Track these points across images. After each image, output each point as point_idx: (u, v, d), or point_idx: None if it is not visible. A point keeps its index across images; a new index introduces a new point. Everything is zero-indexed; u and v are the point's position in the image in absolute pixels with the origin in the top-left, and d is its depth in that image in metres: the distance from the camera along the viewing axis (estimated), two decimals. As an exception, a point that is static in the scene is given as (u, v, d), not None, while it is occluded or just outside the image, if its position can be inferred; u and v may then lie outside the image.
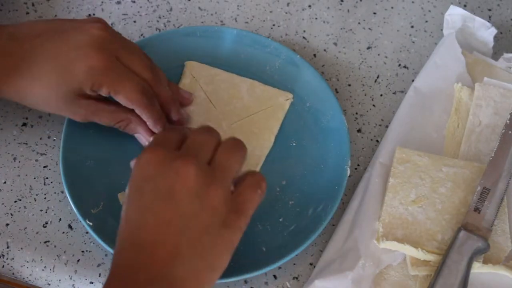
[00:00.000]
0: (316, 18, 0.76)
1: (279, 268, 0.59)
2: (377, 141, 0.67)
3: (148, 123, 0.60)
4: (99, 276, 0.58)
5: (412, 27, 0.76)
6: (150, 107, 0.59)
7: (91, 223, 0.57)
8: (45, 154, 0.63)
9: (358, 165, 0.65)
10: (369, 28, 0.75)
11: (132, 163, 0.52)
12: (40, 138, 0.64)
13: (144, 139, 0.61)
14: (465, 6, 0.78)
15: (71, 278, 0.58)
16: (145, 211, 0.48)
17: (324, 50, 0.73)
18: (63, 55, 0.56)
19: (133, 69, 0.58)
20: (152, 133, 0.61)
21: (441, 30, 0.73)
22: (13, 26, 0.58)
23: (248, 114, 0.66)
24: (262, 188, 0.52)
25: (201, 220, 0.48)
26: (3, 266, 0.58)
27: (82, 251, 0.59)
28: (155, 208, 0.48)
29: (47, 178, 0.62)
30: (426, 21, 0.76)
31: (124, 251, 0.48)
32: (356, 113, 0.69)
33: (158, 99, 0.60)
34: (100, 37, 0.57)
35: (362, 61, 0.73)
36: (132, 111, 0.59)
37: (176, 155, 0.49)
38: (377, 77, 0.72)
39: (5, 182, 0.62)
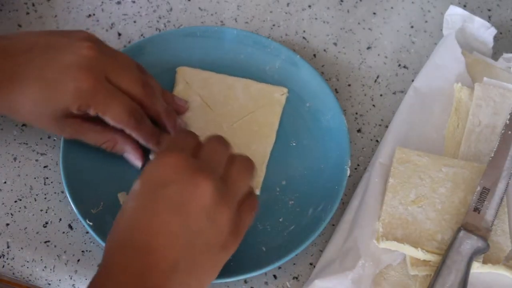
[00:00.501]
0: (316, 18, 0.76)
1: (279, 268, 0.59)
2: (377, 141, 0.67)
3: (139, 140, 0.60)
4: (99, 276, 0.58)
5: (412, 27, 0.76)
6: (139, 127, 0.58)
7: (91, 223, 0.57)
8: (45, 154, 0.64)
9: (358, 165, 0.65)
10: (369, 28, 0.75)
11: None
12: (40, 138, 0.64)
13: (133, 157, 0.61)
14: (465, 6, 0.78)
15: (71, 278, 0.58)
16: (156, 217, 0.47)
17: (324, 50, 0.73)
18: (51, 75, 0.56)
19: (123, 87, 0.57)
20: (141, 153, 0.60)
21: (441, 30, 0.73)
22: (6, 38, 0.58)
23: (246, 113, 0.66)
24: (256, 210, 0.53)
25: (205, 239, 0.48)
26: (3, 266, 0.58)
27: (82, 251, 0.59)
28: (166, 217, 0.47)
29: (47, 178, 0.62)
30: (426, 21, 0.76)
31: (123, 251, 0.47)
32: (356, 113, 0.69)
33: (152, 114, 0.60)
34: (88, 57, 0.56)
35: (362, 61, 0.73)
36: (120, 130, 0.59)
37: (196, 166, 0.48)
38: (377, 77, 0.72)
39: (5, 182, 0.62)
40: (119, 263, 0.47)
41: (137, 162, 0.61)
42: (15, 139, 0.64)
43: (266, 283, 0.58)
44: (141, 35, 0.73)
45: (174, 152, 0.49)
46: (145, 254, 0.46)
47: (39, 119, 0.57)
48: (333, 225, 0.61)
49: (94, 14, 0.74)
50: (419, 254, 0.56)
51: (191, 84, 0.66)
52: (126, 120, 0.57)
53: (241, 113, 0.66)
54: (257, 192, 0.61)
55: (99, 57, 0.57)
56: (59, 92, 0.55)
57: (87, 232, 0.60)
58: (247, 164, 0.53)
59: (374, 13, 0.77)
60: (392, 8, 0.77)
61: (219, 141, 0.53)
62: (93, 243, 0.59)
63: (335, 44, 0.74)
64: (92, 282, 0.47)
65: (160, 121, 0.61)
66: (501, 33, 0.75)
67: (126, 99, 0.57)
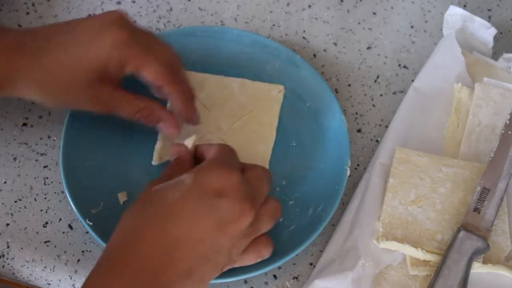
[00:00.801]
0: (316, 18, 0.76)
1: (279, 268, 0.59)
2: (377, 141, 0.67)
3: (176, 101, 0.58)
4: (99, 276, 0.58)
5: (412, 27, 0.76)
6: (178, 82, 0.57)
7: (91, 223, 0.57)
8: (45, 154, 0.64)
9: (358, 165, 0.65)
10: (369, 28, 0.75)
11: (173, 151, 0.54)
12: (40, 138, 0.64)
13: (170, 125, 0.58)
14: (465, 6, 0.78)
15: (71, 278, 0.58)
16: (201, 221, 0.47)
17: (324, 50, 0.73)
18: (86, 34, 0.54)
19: (157, 54, 0.57)
20: (178, 121, 0.59)
21: (441, 30, 0.73)
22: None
23: (245, 112, 0.66)
24: (263, 257, 0.54)
25: (219, 259, 0.49)
26: (3, 266, 0.58)
27: (82, 251, 0.59)
28: (209, 225, 0.47)
29: (47, 178, 0.62)
30: (426, 21, 0.76)
31: (149, 236, 0.47)
32: (356, 113, 0.69)
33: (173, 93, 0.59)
34: (120, 17, 0.56)
35: (362, 61, 0.73)
36: (152, 100, 0.58)
37: (248, 192, 0.49)
38: (377, 77, 0.72)
39: (5, 182, 0.62)
40: (145, 245, 0.47)
41: (173, 130, 0.59)
42: (15, 139, 0.64)
43: (266, 283, 0.58)
44: (141, 35, 0.73)
45: (232, 169, 0.49)
46: (173, 249, 0.47)
47: (71, 88, 0.55)
48: (333, 225, 0.61)
49: (94, 14, 0.74)
50: (419, 254, 0.56)
51: None
52: (165, 73, 0.56)
53: (240, 113, 0.66)
54: None
55: (129, 20, 0.56)
56: (97, 47, 0.54)
57: (87, 232, 0.60)
58: (277, 209, 0.53)
59: (374, 13, 0.77)
60: (392, 8, 0.77)
61: (265, 174, 0.53)
62: (93, 243, 0.59)
63: (335, 44, 0.74)
64: (101, 259, 0.47)
65: (185, 96, 0.60)
66: (501, 33, 0.75)
67: (162, 54, 0.57)
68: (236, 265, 0.52)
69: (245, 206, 0.48)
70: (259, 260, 0.53)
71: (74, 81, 0.55)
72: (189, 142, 0.56)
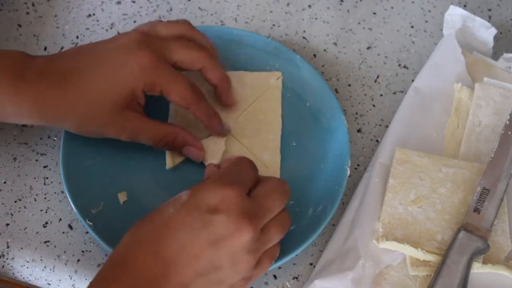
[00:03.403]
0: (316, 18, 0.76)
1: (279, 268, 0.59)
2: (377, 141, 0.67)
3: (203, 120, 0.60)
4: (99, 276, 0.58)
5: (412, 27, 0.76)
6: (202, 103, 0.59)
7: (91, 223, 0.57)
8: (45, 154, 0.64)
9: (358, 165, 0.65)
10: (369, 28, 0.75)
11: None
12: (40, 138, 0.64)
13: (195, 150, 0.60)
14: (465, 6, 0.78)
15: (71, 278, 0.58)
16: (193, 237, 0.47)
17: (324, 50, 0.73)
18: (111, 61, 0.56)
19: (182, 57, 0.58)
20: (202, 144, 0.61)
21: (441, 30, 0.73)
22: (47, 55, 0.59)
23: (248, 104, 0.66)
24: (274, 259, 0.53)
25: (220, 276, 0.48)
26: (3, 266, 0.58)
27: (82, 251, 0.59)
28: (201, 241, 0.47)
29: (47, 178, 0.62)
30: (426, 21, 0.76)
31: (147, 250, 0.47)
32: (356, 113, 0.69)
33: (214, 78, 0.61)
34: (141, 39, 0.57)
35: (362, 61, 0.73)
36: (175, 125, 0.60)
37: (247, 209, 0.49)
38: (377, 77, 0.72)
39: (5, 182, 0.62)
40: (139, 260, 0.47)
41: (199, 154, 0.60)
42: (15, 139, 0.64)
43: (266, 283, 0.58)
44: (141, 35, 0.73)
45: (235, 186, 0.49)
46: (167, 263, 0.47)
47: (97, 116, 0.56)
48: (333, 225, 0.61)
49: (94, 14, 0.74)
50: (419, 254, 0.56)
51: None
52: (190, 95, 0.58)
53: (243, 106, 0.66)
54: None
55: (151, 38, 0.58)
56: (123, 74, 0.56)
57: (87, 232, 0.60)
58: (287, 222, 0.53)
59: (374, 13, 0.77)
60: (392, 8, 0.77)
61: (279, 188, 0.53)
62: (93, 243, 0.59)
63: (335, 44, 0.74)
64: (102, 270, 0.47)
65: (220, 88, 0.62)
66: (501, 33, 0.75)
67: (186, 77, 0.58)
68: (254, 278, 0.52)
69: (242, 222, 0.48)
70: (272, 262, 0.53)
71: (100, 108, 0.56)
72: (216, 158, 0.59)
